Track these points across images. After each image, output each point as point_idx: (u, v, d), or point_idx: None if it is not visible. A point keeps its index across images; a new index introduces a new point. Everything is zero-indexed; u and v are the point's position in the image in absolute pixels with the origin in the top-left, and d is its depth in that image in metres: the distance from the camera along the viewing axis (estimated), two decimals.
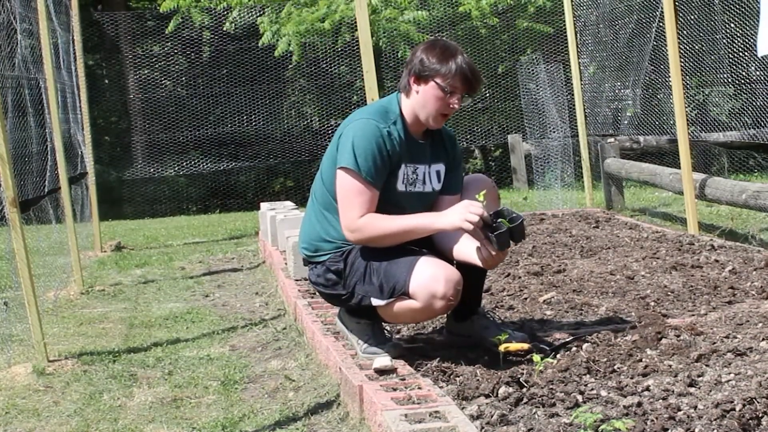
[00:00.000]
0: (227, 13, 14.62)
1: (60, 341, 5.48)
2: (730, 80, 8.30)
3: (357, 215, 3.90)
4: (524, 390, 3.45)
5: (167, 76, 16.17)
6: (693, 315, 4.54)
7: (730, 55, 7.97)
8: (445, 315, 4.30)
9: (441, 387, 3.60)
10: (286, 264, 6.52)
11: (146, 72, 15.82)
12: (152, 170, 15.05)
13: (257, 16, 14.51)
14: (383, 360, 3.83)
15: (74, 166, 8.77)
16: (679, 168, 7.59)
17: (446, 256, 3.99)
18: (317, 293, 4.40)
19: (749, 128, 7.82)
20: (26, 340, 5.30)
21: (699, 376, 3.46)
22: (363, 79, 6.82)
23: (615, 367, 3.70)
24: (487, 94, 15.02)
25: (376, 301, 3.94)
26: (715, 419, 2.99)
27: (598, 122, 10.01)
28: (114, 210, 14.94)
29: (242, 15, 14.56)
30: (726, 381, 3.37)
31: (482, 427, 3.11)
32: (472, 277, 4.06)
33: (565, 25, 9.79)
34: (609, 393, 3.34)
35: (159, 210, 16.26)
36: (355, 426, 3.60)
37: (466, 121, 15.05)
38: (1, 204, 5.03)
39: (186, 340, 5.34)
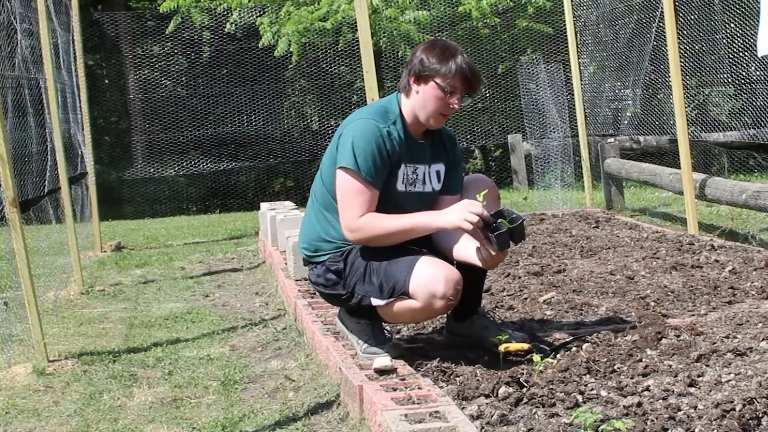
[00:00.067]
0: (227, 14, 14.62)
1: (60, 341, 5.48)
2: (730, 80, 8.30)
3: (357, 215, 3.90)
4: (524, 390, 3.45)
5: (167, 76, 16.17)
6: (693, 315, 4.54)
7: (730, 55, 7.97)
8: (445, 315, 4.30)
9: (441, 387, 3.60)
10: (286, 264, 6.52)
11: (146, 72, 15.82)
12: (152, 170, 15.05)
13: (257, 17, 14.51)
14: (383, 360, 3.83)
15: (74, 166, 8.77)
16: (679, 168, 7.59)
17: (446, 256, 3.99)
18: (317, 293, 4.40)
19: (749, 128, 7.82)
20: (26, 340, 5.30)
21: (699, 376, 3.46)
22: (363, 79, 6.82)
23: (615, 367, 3.70)
24: (487, 94, 15.02)
25: (375, 301, 3.94)
26: (715, 419, 2.99)
27: (598, 122, 10.01)
28: (114, 210, 14.94)
29: (242, 16, 14.55)
30: (726, 381, 3.37)
31: (482, 427, 3.11)
32: (472, 277, 4.06)
33: (565, 25, 9.79)
34: (609, 393, 3.34)
35: (159, 210, 16.27)
36: (355, 426, 3.60)
37: (466, 121, 15.05)
38: (1, 204, 5.03)
39: (186, 340, 5.34)
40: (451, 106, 3.97)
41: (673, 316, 4.53)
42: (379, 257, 3.93)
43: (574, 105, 9.89)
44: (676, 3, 7.61)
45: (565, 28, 9.83)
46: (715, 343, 3.92)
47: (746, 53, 7.81)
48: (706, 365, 3.62)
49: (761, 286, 5.02)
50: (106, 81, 18.40)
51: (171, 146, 14.89)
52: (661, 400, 3.20)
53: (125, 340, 5.47)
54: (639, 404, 3.16)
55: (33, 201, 6.32)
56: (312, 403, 3.96)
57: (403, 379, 3.69)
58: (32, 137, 6.92)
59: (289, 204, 8.54)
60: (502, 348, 3.88)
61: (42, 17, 7.40)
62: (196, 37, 15.36)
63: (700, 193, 7.56)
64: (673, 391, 3.29)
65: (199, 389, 4.34)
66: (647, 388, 3.35)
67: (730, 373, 3.44)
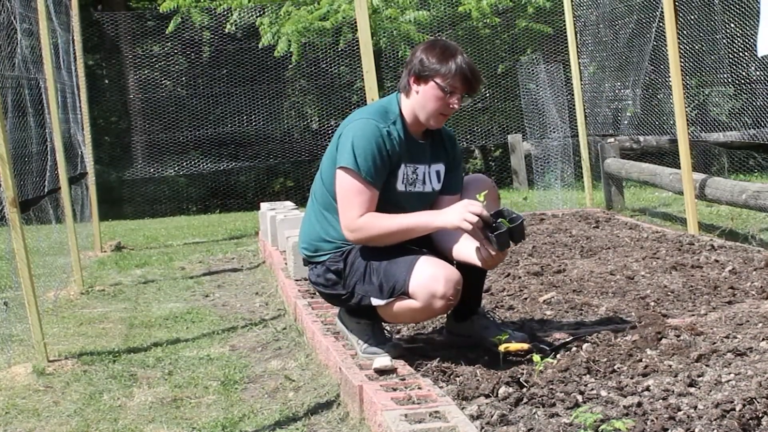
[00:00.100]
0: (228, 15, 14.61)
1: (60, 341, 5.48)
2: (730, 80, 8.30)
3: (357, 215, 3.90)
4: (524, 390, 3.45)
5: (167, 76, 16.17)
6: (693, 315, 4.54)
7: (730, 55, 7.97)
8: (445, 315, 4.30)
9: (441, 387, 3.60)
10: (286, 264, 6.52)
11: (146, 72, 15.82)
12: (152, 170, 15.05)
13: (257, 17, 14.51)
14: (383, 360, 3.83)
15: (74, 166, 8.77)
16: (679, 168, 7.59)
17: (446, 256, 3.99)
18: (317, 293, 4.41)
19: (749, 128, 7.83)
20: (26, 340, 5.30)
21: (699, 376, 3.46)
22: (363, 79, 6.82)
23: (615, 367, 3.70)
24: (487, 94, 15.02)
25: (375, 301, 3.94)
26: (715, 419, 2.99)
27: (598, 122, 10.01)
28: (114, 210, 14.94)
29: (242, 16, 14.55)
30: (726, 381, 3.37)
31: (482, 427, 3.11)
32: (472, 277, 4.06)
33: (565, 25, 9.79)
34: (609, 393, 3.34)
35: (159, 210, 16.27)
36: (355, 426, 3.60)
37: (466, 121, 15.05)
38: (1, 204, 5.03)
39: (186, 340, 5.34)
40: (451, 106, 3.97)
41: (673, 316, 4.53)
42: (378, 257, 3.93)
43: (574, 105, 9.89)
44: (676, 3, 7.61)
45: (565, 28, 9.83)
46: (715, 343, 3.92)
47: (746, 53, 7.81)
48: (706, 365, 3.62)
49: (761, 286, 5.02)
50: (106, 81, 18.40)
51: (171, 146, 14.89)
52: (661, 400, 3.20)
53: (125, 340, 5.47)
54: (639, 404, 3.16)
55: (33, 201, 6.32)
56: (312, 403, 3.96)
57: (403, 379, 3.69)
58: (32, 137, 6.92)
59: (289, 204, 8.54)
60: (502, 348, 3.88)
61: (42, 17, 7.40)
62: (196, 37, 15.36)
63: (700, 193, 7.56)
64: (673, 391, 3.29)
65: (199, 389, 4.34)
66: (647, 388, 3.36)
67: (730, 373, 3.44)
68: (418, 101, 3.99)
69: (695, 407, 3.12)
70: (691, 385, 3.36)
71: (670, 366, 3.63)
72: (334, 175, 3.98)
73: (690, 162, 7.44)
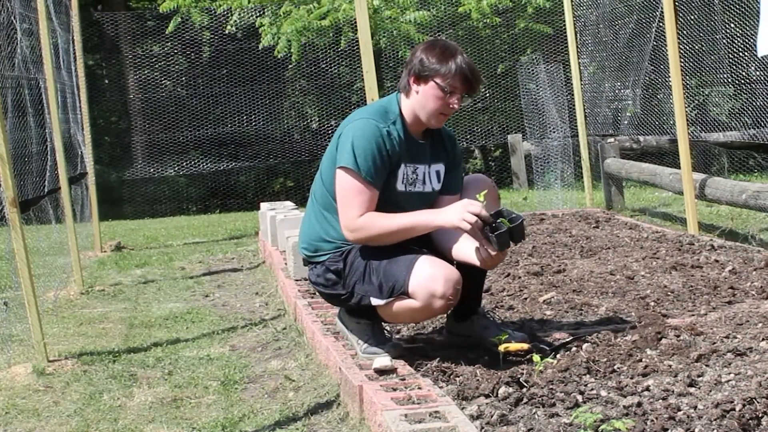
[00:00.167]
0: (228, 16, 14.61)
1: (60, 341, 5.48)
2: (730, 80, 8.30)
3: (356, 215, 3.90)
4: (524, 390, 3.45)
5: (167, 76, 16.17)
6: (693, 315, 4.54)
7: (730, 55, 7.97)
8: (445, 315, 4.30)
9: (441, 387, 3.60)
10: (286, 264, 6.52)
11: (146, 72, 15.82)
12: (152, 170, 15.05)
13: (257, 17, 14.51)
14: (383, 360, 3.83)
15: (74, 166, 8.77)
16: (679, 168, 7.59)
17: (446, 256, 3.99)
18: (317, 293, 4.41)
19: (749, 128, 7.82)
20: (26, 340, 5.30)
21: (699, 376, 3.46)
22: (363, 79, 6.82)
23: (615, 367, 3.70)
24: (487, 94, 15.02)
25: (375, 301, 3.94)
26: (715, 419, 2.99)
27: (598, 122, 10.01)
28: (114, 210, 14.94)
29: (242, 17, 14.55)
30: (726, 381, 3.37)
31: (482, 427, 3.11)
32: (471, 277, 4.06)
33: (564, 25, 9.80)
34: (609, 393, 3.34)
35: (159, 210, 16.27)
36: (355, 426, 3.60)
37: (466, 121, 15.05)
38: (1, 204, 5.03)
39: (186, 340, 5.34)
40: (451, 106, 3.97)
41: (673, 316, 4.53)
42: (378, 257, 3.93)
43: (574, 105, 9.89)
44: (676, 3, 7.61)
45: (564, 28, 9.83)
46: (715, 343, 3.92)
47: (746, 53, 7.81)
48: (706, 365, 3.62)
49: (761, 286, 5.02)
50: (106, 81, 18.40)
51: (171, 146, 14.89)
52: (661, 400, 3.20)
53: (125, 340, 5.47)
54: (639, 404, 3.16)
55: (33, 201, 6.32)
56: (312, 403, 3.96)
57: (403, 379, 3.69)
58: (32, 137, 6.92)
59: (289, 204, 8.54)
60: (502, 348, 3.88)
61: (42, 17, 7.40)
62: (196, 37, 15.36)
63: (700, 193, 7.56)
64: (673, 391, 3.29)
65: (199, 389, 4.34)
66: (647, 388, 3.35)
67: (730, 373, 3.44)
68: (418, 101, 3.99)
69: (695, 407, 3.12)
70: (691, 385, 3.36)
71: (670, 366, 3.63)
72: (334, 175, 3.98)
73: (690, 162, 7.44)
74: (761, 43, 6.45)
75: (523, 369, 3.74)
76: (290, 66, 14.88)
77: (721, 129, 8.87)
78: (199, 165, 15.12)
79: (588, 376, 3.62)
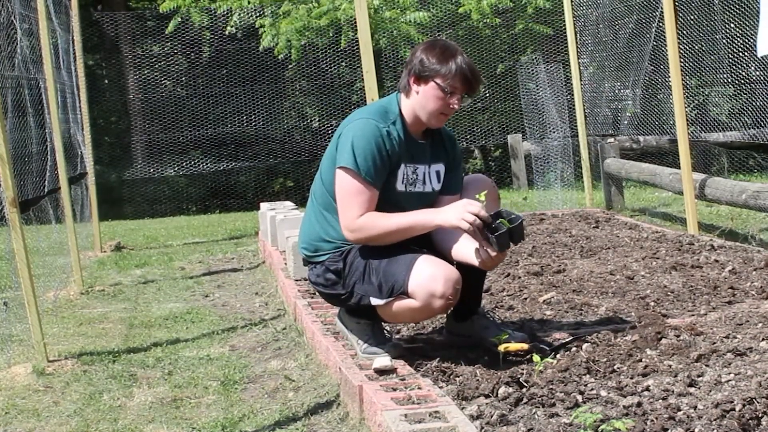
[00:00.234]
0: (228, 17, 14.61)
1: (60, 341, 5.48)
2: (729, 80, 8.30)
3: (356, 215, 3.90)
4: (524, 390, 3.45)
5: (167, 76, 16.17)
6: (693, 315, 4.54)
7: (730, 55, 7.97)
8: (445, 315, 4.30)
9: (441, 387, 3.60)
10: (285, 264, 6.52)
11: (146, 72, 15.82)
12: (152, 170, 15.05)
13: (257, 18, 14.51)
14: (383, 360, 3.83)
15: (74, 166, 8.77)
16: (679, 168, 7.59)
17: (446, 256, 3.99)
18: (317, 293, 4.41)
19: (749, 128, 7.82)
20: (26, 340, 5.30)
21: (699, 376, 3.46)
22: (363, 79, 6.82)
23: (615, 367, 3.70)
24: (487, 94, 15.02)
25: (375, 301, 3.94)
26: (715, 419, 2.99)
27: (598, 122, 10.01)
28: (114, 210, 14.94)
29: (242, 17, 14.55)
30: (726, 381, 3.37)
31: (482, 427, 3.11)
32: (471, 277, 4.06)
33: (564, 25, 9.80)
34: (609, 393, 3.34)
35: (159, 210, 16.26)
36: (355, 426, 3.60)
37: (466, 121, 15.05)
38: (1, 204, 5.03)
39: (186, 340, 5.34)
40: (451, 106, 3.97)
41: (673, 316, 4.53)
42: (378, 257, 3.93)
43: (573, 105, 9.89)
44: (676, 3, 7.61)
45: (564, 29, 9.83)
46: (715, 343, 3.92)
47: (746, 53, 7.81)
48: (706, 365, 3.62)
49: (761, 286, 5.02)
50: (106, 81, 18.40)
51: (171, 146, 14.89)
52: (661, 400, 3.20)
53: (125, 340, 5.47)
54: (639, 404, 3.16)
55: (33, 201, 6.32)
56: (312, 403, 3.96)
57: (403, 379, 3.69)
58: (32, 137, 6.92)
59: (289, 204, 8.54)
60: (501, 348, 3.88)
61: (42, 17, 7.40)
62: (196, 37, 15.36)
63: (700, 193, 7.56)
64: (673, 391, 3.29)
65: (199, 389, 4.34)
66: (647, 388, 3.35)
67: (730, 373, 3.44)
68: (419, 101, 3.99)
69: (695, 407, 3.12)
70: (691, 385, 3.36)
71: (670, 366, 3.63)
72: (334, 175, 3.98)
73: (690, 162, 7.44)
74: (761, 43, 6.45)
75: (523, 369, 3.74)
76: (290, 66, 14.87)
77: (721, 129, 8.87)
78: (199, 165, 15.12)
79: (588, 376, 3.62)
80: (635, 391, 3.35)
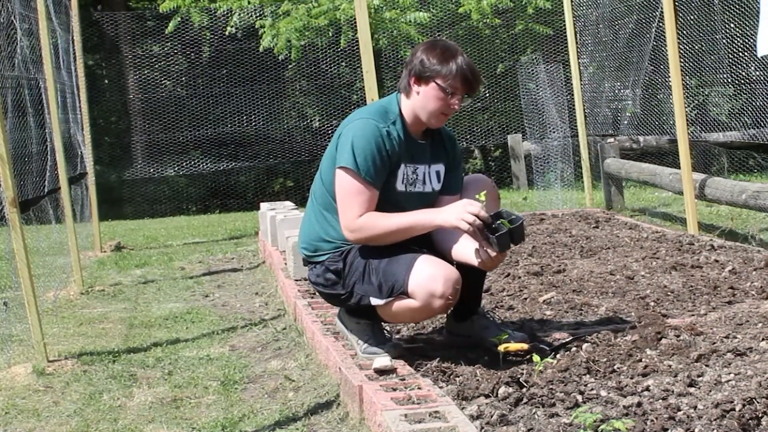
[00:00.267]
0: (228, 17, 14.61)
1: (60, 341, 5.48)
2: (729, 80, 8.30)
3: (356, 215, 3.90)
4: (524, 390, 3.45)
5: (167, 76, 16.16)
6: (693, 315, 4.54)
7: (730, 55, 7.97)
8: (445, 315, 4.30)
9: (441, 387, 3.60)
10: (285, 264, 6.52)
11: (146, 72, 15.82)
12: (152, 170, 15.05)
13: (257, 18, 14.51)
14: (383, 360, 3.83)
15: (74, 166, 8.77)
16: (679, 168, 7.59)
17: (446, 257, 3.99)
18: (317, 293, 4.41)
19: (749, 128, 7.82)
20: (26, 340, 5.30)
21: (699, 376, 3.46)
22: (363, 79, 6.82)
23: (615, 367, 3.70)
24: (487, 94, 15.02)
25: (375, 301, 3.94)
26: (715, 419, 2.99)
27: (598, 122, 10.01)
28: (114, 210, 14.94)
29: (242, 18, 14.55)
30: (726, 381, 3.37)
31: (482, 427, 3.11)
32: (471, 277, 4.06)
33: (564, 25, 9.80)
34: (609, 393, 3.34)
35: (159, 210, 16.26)
36: (355, 426, 3.60)
37: (466, 121, 15.05)
38: (1, 204, 5.03)
39: (186, 340, 5.34)
40: (452, 106, 3.97)
41: (673, 316, 4.53)
42: (378, 257, 3.93)
43: (573, 105, 9.89)
44: (676, 3, 7.61)
45: (564, 29, 9.83)
46: (714, 343, 3.92)
47: (746, 53, 7.81)
48: (706, 365, 3.62)
49: (761, 286, 5.02)
50: (106, 81, 18.40)
51: (171, 146, 14.89)
52: (660, 400, 3.20)
53: (125, 340, 5.47)
54: (639, 404, 3.16)
55: (33, 201, 6.32)
56: (312, 403, 3.96)
57: (403, 379, 3.69)
58: (32, 137, 6.92)
59: (289, 204, 8.54)
60: (501, 348, 3.88)
61: (42, 17, 7.40)
62: (195, 37, 15.36)
63: (700, 193, 7.56)
64: (673, 391, 3.29)
65: (199, 389, 4.34)
66: (647, 388, 3.35)
67: (729, 373, 3.44)
68: (419, 102, 3.98)
69: (695, 407, 3.12)
70: (691, 385, 3.36)
71: (670, 366, 3.63)
72: (334, 175, 3.98)
73: (690, 162, 7.44)
74: (761, 43, 6.45)
75: (523, 369, 3.74)
76: (290, 66, 14.87)
77: (721, 129, 8.87)
78: (199, 165, 15.12)
79: (588, 376, 3.62)
80: (635, 391, 3.35)
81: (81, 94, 9.61)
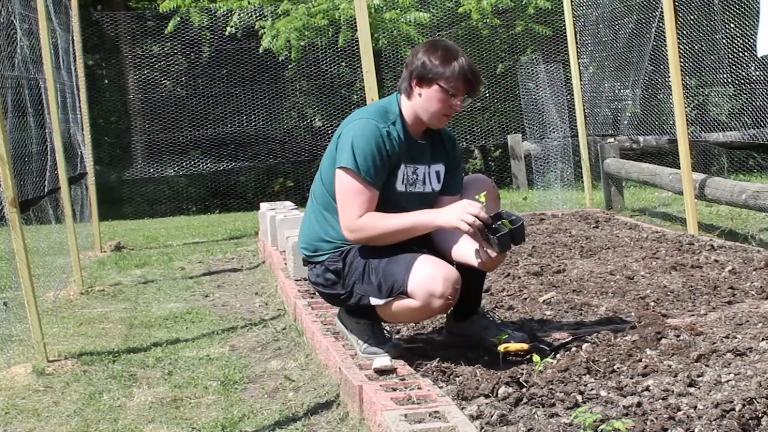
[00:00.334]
0: (228, 16, 14.61)
1: (60, 341, 5.48)
2: (729, 80, 8.30)
3: (356, 215, 3.90)
4: (524, 390, 3.45)
5: (167, 76, 16.17)
6: (693, 315, 4.54)
7: (730, 55, 7.97)
8: (445, 315, 4.30)
9: (441, 387, 3.60)
10: (285, 264, 6.52)
11: (146, 72, 15.82)
12: (152, 170, 15.05)
13: (257, 19, 14.51)
14: (383, 360, 3.83)
15: (74, 166, 8.77)
16: (679, 168, 7.59)
17: (446, 257, 3.99)
18: (317, 293, 4.41)
19: (749, 128, 7.83)
20: (26, 340, 5.30)
21: (699, 376, 3.46)
22: (363, 79, 6.82)
23: (615, 367, 3.70)
24: (487, 94, 15.02)
25: (374, 301, 3.94)
26: (714, 419, 2.99)
27: (597, 122, 10.02)
28: (114, 210, 14.94)
29: (242, 18, 14.55)
30: (726, 381, 3.37)
31: (482, 427, 3.11)
32: (471, 277, 4.06)
33: (564, 25, 9.80)
34: (609, 393, 3.34)
35: (159, 210, 16.26)
36: (355, 426, 3.60)
37: (466, 121, 15.05)
38: (1, 204, 5.03)
39: (186, 340, 5.34)
40: (453, 107, 3.97)
41: (672, 316, 4.53)
42: (377, 257, 3.93)
43: (573, 105, 9.89)
44: (676, 3, 7.61)
45: (564, 29, 9.83)
46: (714, 343, 3.92)
47: (746, 53, 7.81)
48: (706, 365, 3.62)
49: (761, 286, 5.02)
50: (106, 81, 18.40)
51: (171, 146, 14.89)
52: (660, 400, 3.20)
53: (125, 340, 5.47)
54: (639, 404, 3.16)
55: (33, 201, 6.32)
56: (312, 403, 3.96)
57: (403, 379, 3.69)
58: (32, 137, 6.92)
59: (289, 204, 8.54)
60: (501, 348, 3.88)
61: (42, 17, 7.40)
62: (195, 37, 15.36)
63: (700, 193, 7.56)
64: (672, 391, 3.29)
65: (199, 389, 4.34)
66: (647, 388, 3.36)
67: (729, 373, 3.44)
68: (422, 103, 3.98)
69: (695, 407, 3.12)
70: (690, 385, 3.36)
71: (670, 366, 3.63)
72: (334, 175, 3.98)
73: (690, 162, 7.44)
74: (761, 43, 6.45)
75: (522, 369, 3.74)
76: (290, 66, 14.87)
77: (721, 129, 8.87)
78: (199, 165, 15.12)
79: (588, 376, 3.62)
80: (635, 391, 3.35)
81: (81, 94, 9.61)
